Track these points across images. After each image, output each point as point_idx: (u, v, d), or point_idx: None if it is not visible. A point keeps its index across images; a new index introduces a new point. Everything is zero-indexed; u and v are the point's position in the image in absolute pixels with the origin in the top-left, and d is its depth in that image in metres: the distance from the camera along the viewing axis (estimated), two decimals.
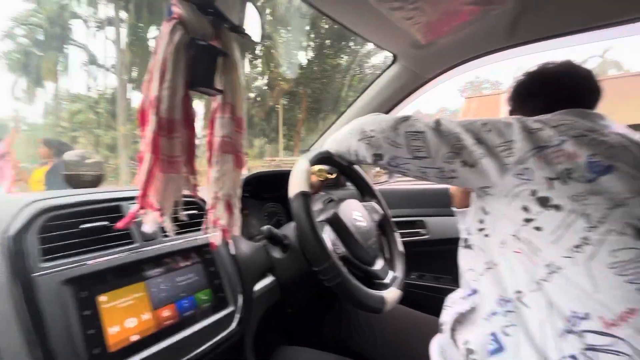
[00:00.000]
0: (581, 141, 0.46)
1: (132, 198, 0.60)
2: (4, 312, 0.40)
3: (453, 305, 0.62)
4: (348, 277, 0.61)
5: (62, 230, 0.50)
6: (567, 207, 0.44)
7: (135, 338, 0.47)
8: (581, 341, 0.42)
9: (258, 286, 0.70)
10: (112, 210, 0.57)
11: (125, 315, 0.48)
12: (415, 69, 1.02)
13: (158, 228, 0.57)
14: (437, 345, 0.62)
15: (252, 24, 0.55)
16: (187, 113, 0.44)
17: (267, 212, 1.11)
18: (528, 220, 0.46)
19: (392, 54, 0.99)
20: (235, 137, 0.49)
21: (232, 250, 0.67)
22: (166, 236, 0.59)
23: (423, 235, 1.21)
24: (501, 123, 0.50)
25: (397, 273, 0.79)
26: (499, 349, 0.48)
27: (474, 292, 0.55)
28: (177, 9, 0.40)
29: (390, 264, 0.83)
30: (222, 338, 0.56)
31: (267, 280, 0.73)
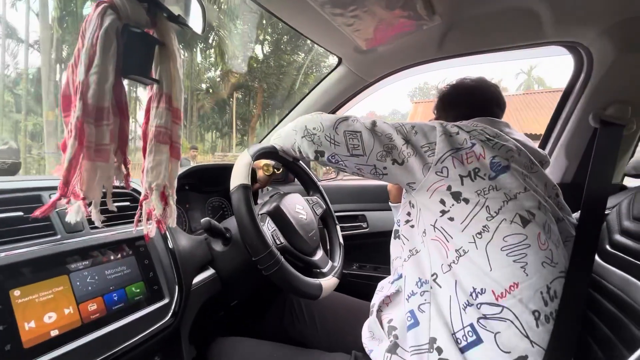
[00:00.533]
0: (487, 145, 0.54)
1: (55, 188, 0.56)
2: None
3: (382, 289, 0.69)
4: (285, 265, 0.64)
5: None
6: (474, 200, 0.51)
7: (55, 333, 0.45)
8: (478, 312, 0.50)
9: (197, 279, 0.70)
10: (31, 200, 0.53)
11: (44, 310, 0.45)
12: (358, 72, 1.08)
13: (85, 219, 0.54)
14: (366, 326, 0.68)
15: (195, 15, 0.55)
16: (120, 101, 0.43)
17: (211, 206, 1.09)
18: (444, 212, 0.53)
19: (337, 57, 1.04)
20: (172, 127, 0.48)
21: (171, 244, 0.66)
22: (94, 228, 0.56)
23: (364, 228, 1.29)
24: (427, 126, 0.57)
25: (335, 263, 0.84)
26: (415, 323, 0.55)
27: (400, 276, 0.62)
28: None
29: (330, 255, 0.87)
30: (154, 330, 0.56)
31: (207, 273, 0.73)
